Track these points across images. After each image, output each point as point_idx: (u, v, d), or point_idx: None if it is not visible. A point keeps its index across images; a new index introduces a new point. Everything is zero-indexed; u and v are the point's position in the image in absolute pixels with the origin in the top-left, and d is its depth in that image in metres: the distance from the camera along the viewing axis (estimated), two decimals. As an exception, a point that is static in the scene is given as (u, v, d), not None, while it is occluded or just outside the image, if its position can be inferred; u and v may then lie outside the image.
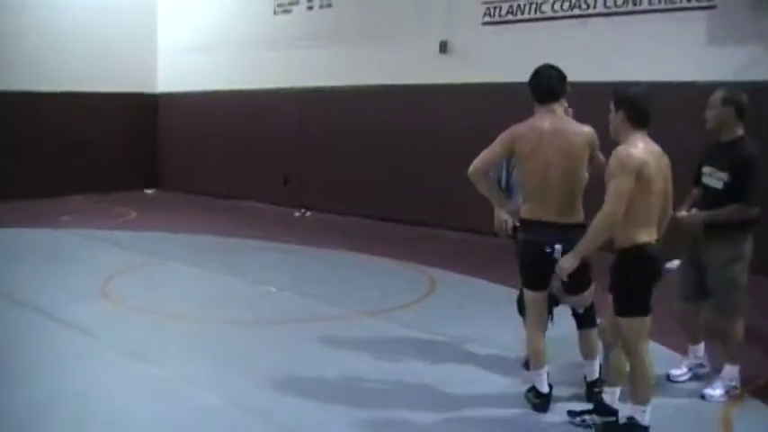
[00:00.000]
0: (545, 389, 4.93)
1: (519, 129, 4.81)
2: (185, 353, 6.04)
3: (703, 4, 9.97)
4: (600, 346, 4.89)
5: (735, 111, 5.04)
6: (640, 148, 4.22)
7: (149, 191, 17.03)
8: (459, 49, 12.63)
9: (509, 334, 6.10)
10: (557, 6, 11.42)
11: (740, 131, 5.08)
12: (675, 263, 9.58)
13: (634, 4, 10.50)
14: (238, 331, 6.68)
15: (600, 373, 5.00)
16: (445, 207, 12.24)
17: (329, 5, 14.33)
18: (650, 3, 10.35)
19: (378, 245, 10.83)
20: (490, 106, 11.28)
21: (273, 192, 15.10)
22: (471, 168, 4.83)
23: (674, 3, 10.18)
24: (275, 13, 15.23)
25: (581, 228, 4.70)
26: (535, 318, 4.93)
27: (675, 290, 5.43)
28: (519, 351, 5.72)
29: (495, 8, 12.10)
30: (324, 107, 14.31)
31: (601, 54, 10.40)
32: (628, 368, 4.45)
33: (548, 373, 4.95)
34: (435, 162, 12.47)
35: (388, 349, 6.17)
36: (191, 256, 9.85)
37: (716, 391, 5.20)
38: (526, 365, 5.63)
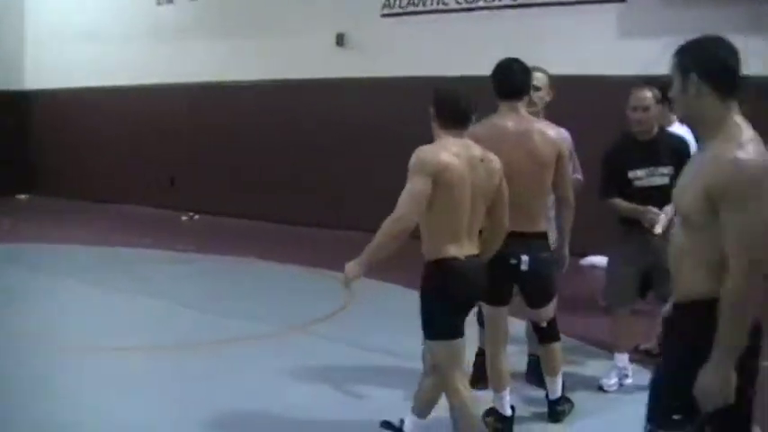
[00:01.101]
0: (507, 411, 4.51)
1: (478, 129, 4.31)
2: (94, 391, 5.16)
3: (614, -4, 9.86)
4: (561, 361, 4.66)
5: (668, 106, 4.90)
6: (446, 150, 3.75)
7: (22, 196, 15.56)
8: (357, 42, 12.14)
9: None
10: (461, -2, 11.09)
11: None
12: (596, 259, 9.48)
13: (542, -3, 10.30)
14: (154, 361, 5.81)
15: (563, 391, 4.71)
16: (347, 206, 11.66)
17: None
18: (560, -5, 10.17)
19: (281, 250, 10.21)
20: (390, 102, 10.88)
21: (160, 194, 14.13)
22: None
23: (585, -5, 10.03)
24: (158, 3, 14.26)
25: (544, 237, 4.44)
26: (496, 334, 4.51)
27: (608, 294, 5.39)
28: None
29: (395, -1, 11.67)
30: (214, 103, 13.45)
31: (508, 48, 9.80)
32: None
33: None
34: (335, 160, 11.93)
35: (321, 369, 5.64)
36: (80, 272, 8.81)
37: (611, 380, 5.21)
38: (472, 382, 5.25)
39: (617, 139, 5.22)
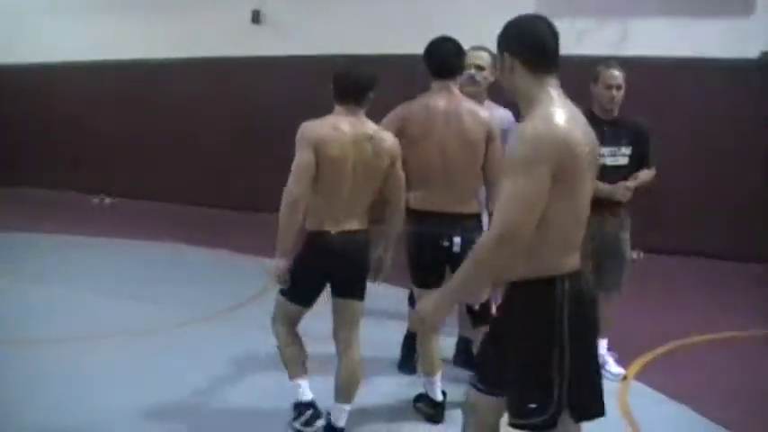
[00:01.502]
0: (439, 397, 4.46)
1: (409, 107, 4.28)
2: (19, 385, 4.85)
3: (532, -23, 9.84)
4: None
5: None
6: (330, 124, 3.83)
7: None
8: (273, 19, 11.89)
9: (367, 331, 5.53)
10: (381, -26, 10.94)
11: None
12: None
13: (462, -24, 10.21)
14: (66, 354, 5.45)
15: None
16: (265, 188, 11.37)
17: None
18: (479, -25, 10.09)
19: (200, 234, 9.98)
20: (307, 81, 10.65)
21: (65, 176, 13.55)
22: None
23: (504, -25, 9.97)
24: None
25: (477, 217, 4.36)
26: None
27: None
28: (383, 351, 5.26)
29: (312, -25, 11.44)
30: (124, 82, 12.99)
31: (429, 25, 9.94)
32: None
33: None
34: (253, 140, 11.70)
35: (246, 357, 5.46)
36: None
37: None
38: (400, 366, 5.21)
39: None
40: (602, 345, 5.20)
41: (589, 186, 2.69)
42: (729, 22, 9.08)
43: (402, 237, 4.32)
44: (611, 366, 5.20)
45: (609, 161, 4.86)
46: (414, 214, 4.29)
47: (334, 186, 3.82)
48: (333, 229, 3.85)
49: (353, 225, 3.90)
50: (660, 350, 5.77)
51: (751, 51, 9.00)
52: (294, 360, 4.15)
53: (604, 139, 4.65)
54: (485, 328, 4.44)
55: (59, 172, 13.55)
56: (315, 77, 10.24)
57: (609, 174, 4.79)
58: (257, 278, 7.36)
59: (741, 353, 5.92)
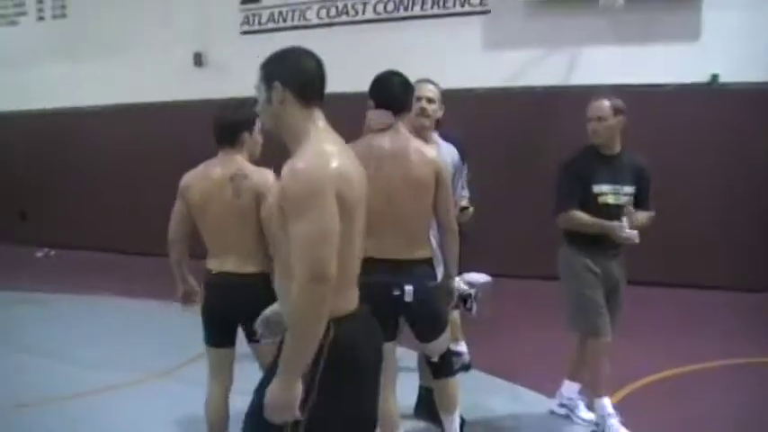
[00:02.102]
0: (399, 458, 4.14)
1: (353, 148, 3.96)
2: None
3: (477, 9, 9.79)
4: (459, 397, 4.26)
5: (623, 119, 4.65)
6: (198, 170, 4.10)
7: None
8: (216, 61, 11.63)
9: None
10: (322, 13, 10.81)
11: (619, 141, 4.72)
12: (480, 277, 9.27)
13: (406, 10, 10.15)
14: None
15: (462, 430, 4.37)
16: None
17: (63, 15, 12.72)
18: (423, 8, 10.06)
19: (141, 284, 9.51)
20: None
21: (10, 230, 13.10)
22: None
23: (448, 8, 9.94)
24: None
25: (429, 263, 4.05)
26: (387, 373, 4.09)
27: (590, 323, 4.65)
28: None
29: (254, 16, 11.27)
30: (64, 131, 12.57)
31: (372, 63, 9.80)
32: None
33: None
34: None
35: (192, 419, 5.02)
36: None
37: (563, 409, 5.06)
38: None
39: (579, 149, 4.77)
40: (574, 389, 5.02)
41: (363, 221, 2.58)
42: (678, 46, 9.04)
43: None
44: (582, 411, 4.97)
45: (611, 200, 4.59)
46: (363, 263, 4.00)
47: (207, 228, 4.03)
48: (214, 269, 3.99)
49: (236, 267, 3.94)
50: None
51: (700, 76, 8.96)
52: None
53: (605, 176, 4.60)
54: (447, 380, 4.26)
55: (3, 224, 13.09)
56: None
57: (612, 213, 4.56)
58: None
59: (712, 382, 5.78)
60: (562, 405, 5.06)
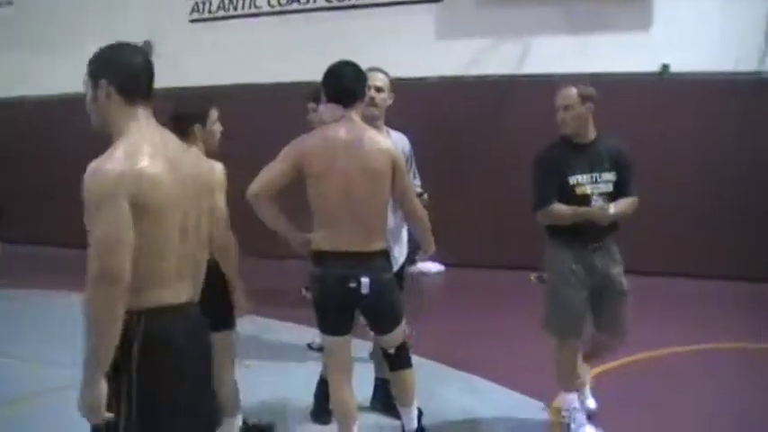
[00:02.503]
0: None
1: (307, 141, 3.90)
2: None
3: (430, -3, 9.75)
4: (416, 389, 4.22)
5: (593, 106, 4.46)
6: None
7: None
8: (165, 50, 11.36)
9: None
10: (273, 1, 10.67)
11: (593, 128, 4.54)
12: (426, 265, 9.30)
13: (357, -2, 10.05)
14: None
15: (419, 422, 4.32)
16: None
17: (9, 3, 12.37)
18: (375, -4, 9.95)
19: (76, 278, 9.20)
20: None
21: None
22: (250, 190, 3.87)
23: (401, -4, 9.86)
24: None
25: (385, 254, 4.00)
26: (337, 366, 4.04)
27: (559, 325, 4.50)
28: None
29: (204, 3, 11.12)
30: (18, 123, 12.24)
31: (325, 51, 9.71)
32: None
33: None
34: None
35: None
36: None
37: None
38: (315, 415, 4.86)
39: (552, 142, 4.58)
40: (573, 397, 4.63)
41: (179, 218, 2.54)
42: (628, 36, 9.10)
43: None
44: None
45: (590, 189, 4.40)
46: (317, 255, 3.94)
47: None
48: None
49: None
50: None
51: (651, 65, 9.03)
52: None
53: (580, 166, 4.42)
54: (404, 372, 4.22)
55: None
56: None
57: (587, 203, 4.39)
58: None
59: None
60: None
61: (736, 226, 8.88)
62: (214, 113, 4.08)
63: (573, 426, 4.48)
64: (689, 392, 5.22)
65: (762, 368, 5.80)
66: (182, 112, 4.01)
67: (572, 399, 4.55)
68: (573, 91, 4.43)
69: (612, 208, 4.33)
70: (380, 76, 4.64)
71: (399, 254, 4.78)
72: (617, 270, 4.53)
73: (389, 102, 4.66)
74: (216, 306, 3.54)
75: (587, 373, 4.90)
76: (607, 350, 4.84)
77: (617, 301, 4.54)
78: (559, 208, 4.37)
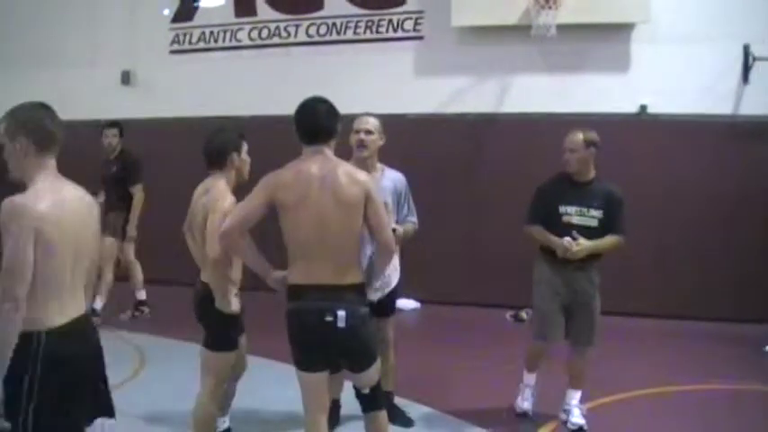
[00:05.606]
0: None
1: (281, 174, 3.88)
2: None
3: (411, 34, 9.82)
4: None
5: (595, 151, 5.23)
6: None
7: None
8: (145, 79, 11.37)
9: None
10: (254, 34, 10.67)
11: (593, 170, 5.30)
12: (409, 303, 9.17)
13: (338, 34, 10.10)
14: None
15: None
16: (139, 256, 10.65)
17: (-13, 30, 12.23)
18: (356, 33, 10.01)
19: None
20: (180, 143, 10.17)
21: None
22: (224, 228, 3.87)
23: (381, 33, 9.94)
24: None
25: (360, 288, 3.93)
26: (315, 405, 3.93)
27: (540, 329, 5.44)
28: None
29: (184, 35, 11.07)
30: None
31: (304, 86, 9.67)
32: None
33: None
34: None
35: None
36: None
37: (525, 402, 5.61)
38: None
39: (553, 176, 5.41)
40: (576, 396, 5.40)
41: (76, 250, 3.09)
42: (607, 77, 9.18)
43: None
44: (575, 416, 5.34)
45: (575, 220, 5.16)
46: (292, 289, 3.87)
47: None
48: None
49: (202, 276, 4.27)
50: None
51: (629, 106, 9.10)
52: None
53: (571, 199, 5.21)
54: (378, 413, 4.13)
55: None
56: (185, 139, 9.94)
57: (566, 232, 5.11)
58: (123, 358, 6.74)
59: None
60: (564, 410, 5.45)
61: (719, 264, 8.91)
62: (245, 145, 4.59)
63: (519, 400, 5.60)
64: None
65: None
66: (221, 142, 4.48)
67: (529, 377, 5.61)
68: (579, 137, 5.20)
69: (576, 247, 5.06)
70: (371, 120, 5.13)
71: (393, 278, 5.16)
72: (591, 291, 5.31)
73: (381, 143, 5.15)
74: (212, 329, 4.38)
75: (574, 397, 5.45)
76: (577, 359, 5.46)
77: (584, 312, 5.30)
78: (535, 230, 5.31)
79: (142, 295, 8.91)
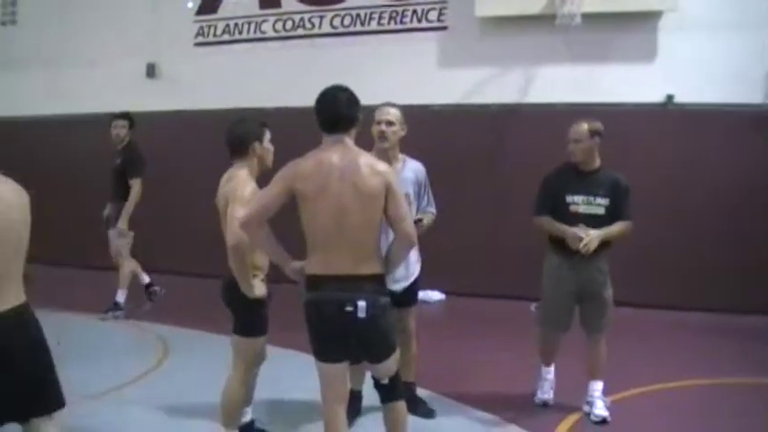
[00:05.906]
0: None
1: (301, 164, 3.86)
2: None
3: (435, 25, 9.78)
4: (408, 422, 4.11)
5: (599, 140, 5.26)
6: None
7: None
8: (169, 72, 11.44)
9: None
10: (278, 26, 10.68)
11: (598, 159, 5.33)
12: (434, 295, 9.18)
13: (362, 25, 10.08)
14: None
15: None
16: (164, 249, 10.72)
17: (13, 22, 12.39)
18: (380, 24, 9.98)
19: (80, 298, 9.15)
20: (204, 135, 10.20)
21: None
22: (243, 218, 3.88)
23: (405, 24, 9.90)
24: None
25: (380, 278, 3.89)
26: (334, 396, 3.93)
27: (544, 318, 5.55)
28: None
29: (209, 27, 11.12)
30: (13, 143, 12.17)
31: (328, 77, 9.67)
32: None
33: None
34: (146, 195, 11.04)
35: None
36: None
37: (545, 394, 5.63)
38: None
39: (559, 165, 5.43)
40: (597, 387, 5.40)
41: (17, 239, 3.55)
42: (633, 67, 9.09)
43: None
44: (598, 408, 5.30)
45: (582, 209, 5.22)
46: (311, 280, 3.86)
47: None
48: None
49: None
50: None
51: (656, 96, 9.00)
52: None
53: (577, 188, 5.26)
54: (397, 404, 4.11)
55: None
56: (214, 131, 9.96)
57: (584, 222, 5.17)
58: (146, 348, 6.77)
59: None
60: (587, 402, 5.41)
61: (759, 253, 8.80)
62: (268, 133, 4.63)
63: (539, 393, 5.61)
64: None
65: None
66: (242, 131, 4.54)
67: (547, 370, 5.64)
68: (584, 127, 5.24)
69: (587, 237, 5.06)
70: (392, 110, 5.07)
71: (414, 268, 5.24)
72: (601, 279, 5.33)
73: (402, 133, 5.12)
74: (239, 315, 4.50)
75: (596, 388, 5.42)
76: (591, 348, 5.46)
77: (594, 300, 5.34)
78: (545, 221, 5.34)
79: (122, 296, 8.49)
